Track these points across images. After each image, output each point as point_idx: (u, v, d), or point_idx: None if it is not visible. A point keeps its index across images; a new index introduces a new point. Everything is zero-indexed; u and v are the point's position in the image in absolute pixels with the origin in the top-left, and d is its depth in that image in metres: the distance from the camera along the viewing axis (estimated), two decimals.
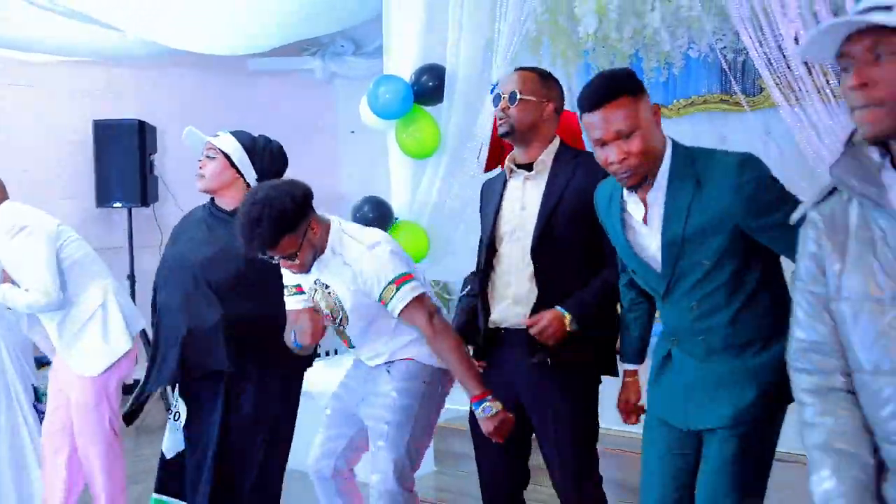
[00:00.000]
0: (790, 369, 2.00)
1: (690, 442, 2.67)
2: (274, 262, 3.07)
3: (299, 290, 3.36)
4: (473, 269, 3.42)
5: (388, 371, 3.31)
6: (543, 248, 3.05)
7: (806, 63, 3.79)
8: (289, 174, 4.33)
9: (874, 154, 1.79)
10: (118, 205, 7.45)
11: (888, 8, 1.64)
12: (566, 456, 3.09)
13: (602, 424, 3.21)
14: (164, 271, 3.75)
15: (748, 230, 2.47)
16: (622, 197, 2.64)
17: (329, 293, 3.26)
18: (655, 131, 2.53)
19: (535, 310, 3.04)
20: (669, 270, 2.57)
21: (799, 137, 3.87)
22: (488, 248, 3.21)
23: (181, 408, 3.68)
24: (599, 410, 3.19)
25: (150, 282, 4.02)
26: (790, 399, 2.35)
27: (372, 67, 7.39)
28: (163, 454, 3.79)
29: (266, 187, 3.13)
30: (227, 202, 3.70)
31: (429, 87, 4.78)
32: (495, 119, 4.93)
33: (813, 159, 3.83)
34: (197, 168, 3.81)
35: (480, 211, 3.37)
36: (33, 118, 7.27)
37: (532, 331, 2.96)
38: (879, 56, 1.68)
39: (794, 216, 1.97)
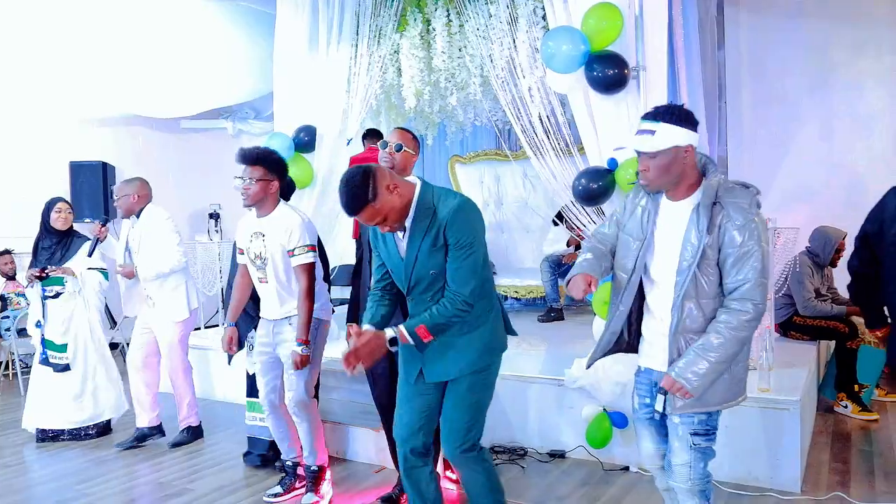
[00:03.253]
0: (589, 239, 2.57)
1: (434, 390, 2.60)
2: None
3: (241, 251, 3.44)
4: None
5: (290, 323, 3.35)
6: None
7: (545, 130, 4.13)
8: (208, 200, 4.37)
9: None
10: (88, 220, 7.18)
11: (652, 132, 2.14)
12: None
13: None
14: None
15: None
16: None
17: (263, 241, 3.32)
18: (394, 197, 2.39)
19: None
20: (408, 277, 2.51)
21: (542, 177, 4.16)
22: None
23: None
24: None
25: (113, 275, 4.14)
26: (496, 353, 2.57)
27: (266, 127, 7.44)
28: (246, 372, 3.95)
29: None
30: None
31: (305, 140, 4.74)
32: (351, 159, 5.07)
33: (550, 190, 4.15)
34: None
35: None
36: (26, 158, 7.06)
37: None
38: (653, 157, 2.15)
39: (630, 195, 2.42)
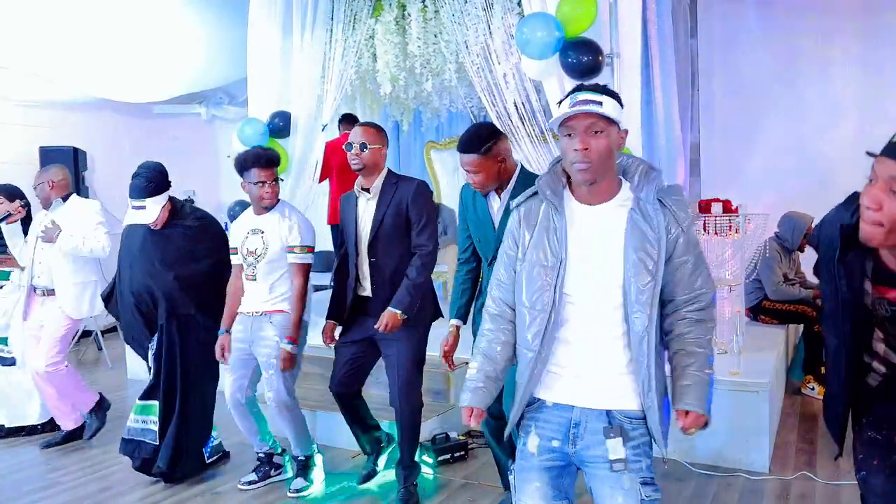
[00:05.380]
0: (488, 295, 1.99)
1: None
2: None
3: (235, 251, 3.41)
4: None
5: (271, 321, 3.31)
6: (374, 246, 3.12)
7: (520, 116, 4.12)
8: (182, 187, 4.25)
9: (563, 178, 1.86)
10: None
11: (599, 102, 1.74)
12: (400, 371, 3.13)
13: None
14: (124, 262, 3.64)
15: None
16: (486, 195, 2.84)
17: (262, 237, 3.30)
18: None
19: (372, 283, 3.14)
20: (497, 244, 2.60)
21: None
22: (355, 241, 3.18)
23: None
24: None
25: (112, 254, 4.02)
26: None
27: (240, 112, 7.31)
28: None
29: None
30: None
31: (279, 125, 4.68)
32: (326, 145, 5.03)
33: None
34: (123, 188, 3.56)
35: (341, 219, 3.28)
36: None
37: (378, 328, 3.05)
38: (596, 132, 1.75)
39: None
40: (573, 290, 1.80)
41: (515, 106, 4.13)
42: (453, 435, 3.85)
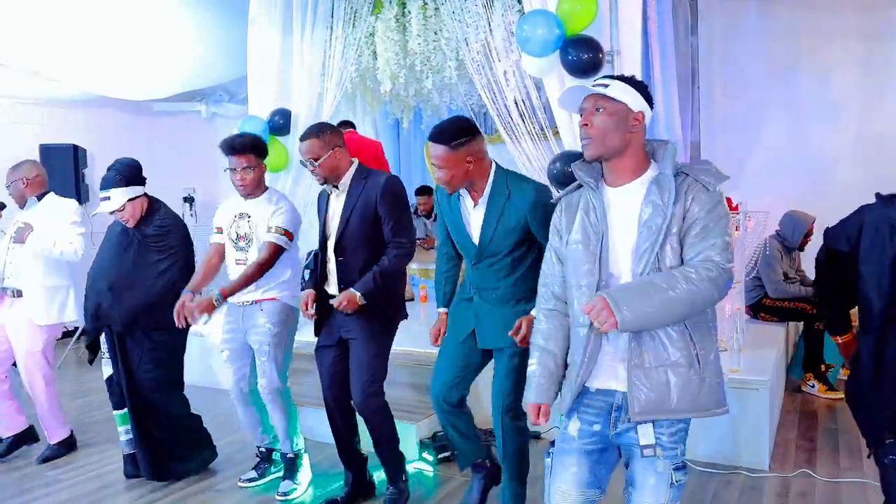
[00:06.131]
0: (538, 297, 2.06)
1: (479, 353, 2.81)
2: None
3: (219, 230, 3.38)
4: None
5: (262, 309, 3.30)
6: (341, 244, 3.00)
7: (520, 113, 4.11)
8: (183, 184, 4.20)
9: (596, 165, 1.97)
10: None
11: (606, 85, 1.88)
12: (364, 361, 3.01)
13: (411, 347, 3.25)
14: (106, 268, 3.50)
15: (534, 231, 2.59)
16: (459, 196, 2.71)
17: (248, 221, 3.27)
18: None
19: (340, 281, 3.01)
20: (481, 249, 2.67)
21: (517, 160, 4.12)
22: (323, 239, 3.10)
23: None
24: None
25: (86, 259, 3.74)
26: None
27: (241, 110, 7.29)
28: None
29: None
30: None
31: (280, 123, 4.66)
32: None
33: (524, 173, 4.12)
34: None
35: (317, 213, 3.21)
36: None
37: (334, 304, 2.94)
38: (598, 109, 1.88)
39: (554, 200, 2.08)
40: (614, 267, 1.86)
41: (516, 103, 4.11)
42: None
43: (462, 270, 2.96)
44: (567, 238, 1.95)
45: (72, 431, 4.08)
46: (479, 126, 2.75)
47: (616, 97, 1.87)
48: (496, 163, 2.68)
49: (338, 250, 3.01)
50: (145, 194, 3.47)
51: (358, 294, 2.91)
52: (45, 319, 3.80)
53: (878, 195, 2.29)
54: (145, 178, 3.48)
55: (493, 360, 2.82)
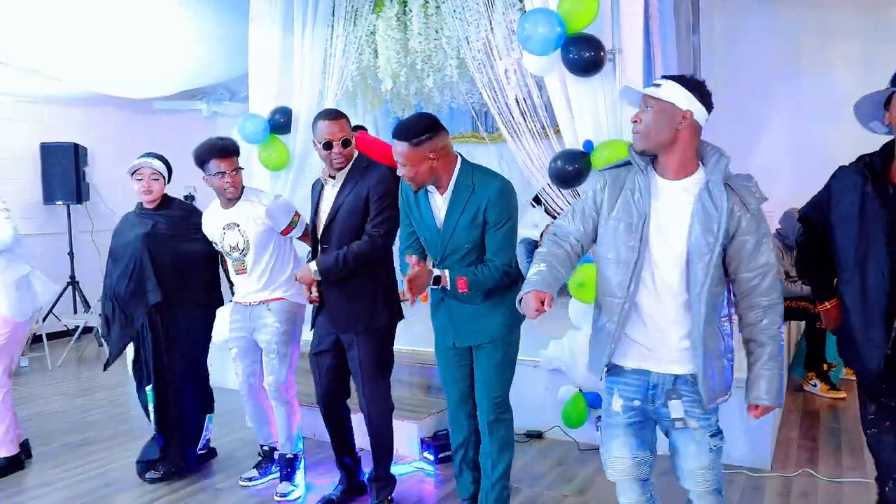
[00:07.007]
0: (546, 238, 2.21)
1: (465, 353, 2.80)
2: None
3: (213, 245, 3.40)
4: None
5: (269, 309, 3.30)
6: (328, 234, 2.99)
7: (521, 112, 4.10)
8: (183, 183, 4.19)
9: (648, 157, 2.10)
10: (60, 202, 7.15)
11: (658, 85, 2.03)
12: (364, 373, 3.02)
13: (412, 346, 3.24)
14: (114, 254, 3.55)
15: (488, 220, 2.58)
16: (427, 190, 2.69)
17: (238, 230, 3.26)
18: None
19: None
20: (444, 241, 2.65)
21: (518, 159, 4.12)
22: (313, 229, 3.11)
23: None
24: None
25: (87, 258, 3.68)
26: (518, 322, 2.71)
27: (241, 108, 7.25)
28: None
29: None
30: (153, 204, 3.55)
31: (280, 122, 4.62)
32: None
33: (526, 172, 4.13)
34: (124, 183, 3.63)
35: (311, 202, 3.19)
36: None
37: (295, 274, 3.04)
38: (648, 107, 2.03)
39: (601, 170, 2.23)
40: (654, 249, 2.02)
41: (517, 102, 4.11)
42: None
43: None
44: (609, 214, 2.09)
45: (20, 450, 3.81)
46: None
47: (663, 97, 2.00)
48: (462, 157, 2.69)
49: (324, 238, 3.01)
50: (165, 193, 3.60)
51: (314, 270, 2.94)
52: (21, 314, 3.66)
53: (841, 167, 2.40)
54: (171, 174, 3.63)
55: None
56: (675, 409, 2.07)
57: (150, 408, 3.59)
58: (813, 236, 2.49)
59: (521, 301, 2.04)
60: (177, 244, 3.50)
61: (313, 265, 2.96)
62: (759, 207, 2.01)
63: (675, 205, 2.03)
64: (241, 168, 3.31)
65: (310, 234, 3.19)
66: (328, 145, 2.94)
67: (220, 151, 3.20)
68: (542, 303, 1.99)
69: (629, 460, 2.16)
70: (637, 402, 2.12)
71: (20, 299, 3.65)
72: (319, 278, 2.95)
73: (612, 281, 2.07)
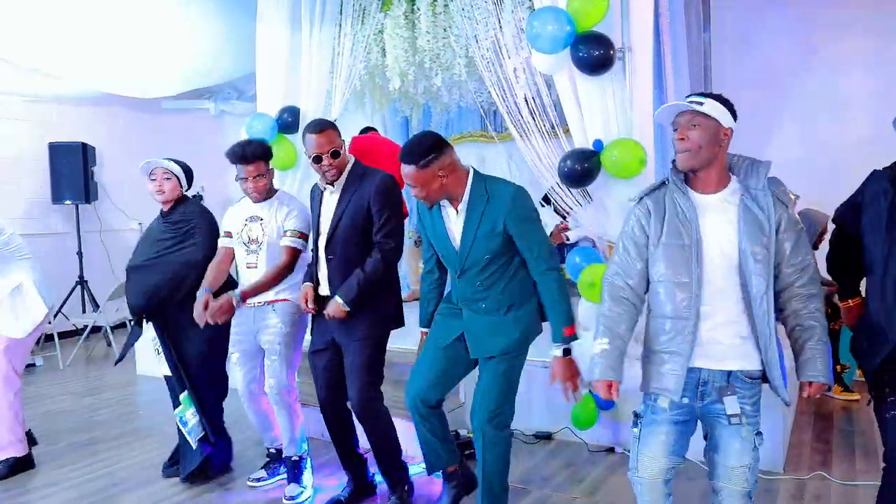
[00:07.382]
0: (604, 281, 2.24)
1: (463, 360, 2.77)
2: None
3: (228, 234, 3.36)
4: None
5: (274, 310, 3.29)
6: (332, 243, 2.99)
7: (530, 111, 4.07)
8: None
9: (681, 174, 2.17)
10: (68, 202, 7.18)
11: (700, 103, 2.08)
12: (359, 366, 2.99)
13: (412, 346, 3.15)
14: (136, 258, 3.55)
15: (513, 235, 2.57)
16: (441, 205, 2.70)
17: (261, 224, 3.26)
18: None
19: (329, 282, 3.01)
20: (463, 256, 2.65)
21: (527, 158, 4.09)
22: (315, 238, 3.10)
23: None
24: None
25: (95, 257, 3.68)
26: (532, 338, 2.73)
27: (249, 107, 7.30)
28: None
29: None
30: (168, 207, 3.54)
31: (288, 121, 4.63)
32: (353, 139, 4.97)
33: (535, 172, 4.10)
34: (132, 183, 3.67)
35: (310, 209, 3.20)
36: (4, 140, 6.97)
37: (325, 314, 2.95)
38: (694, 126, 2.07)
39: (633, 199, 2.25)
40: (709, 265, 2.09)
41: (526, 101, 4.07)
42: (463, 433, 3.82)
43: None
44: (659, 239, 2.14)
45: (29, 452, 3.78)
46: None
47: (709, 114, 2.07)
48: (474, 169, 2.67)
49: (328, 249, 3.00)
50: (183, 194, 3.57)
51: (342, 302, 2.91)
52: (10, 329, 3.62)
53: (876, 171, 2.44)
54: (192, 181, 3.60)
55: (477, 367, 2.78)
56: (731, 405, 2.10)
57: (193, 421, 3.50)
58: (845, 237, 2.53)
59: (590, 384, 2.12)
60: (171, 256, 3.45)
61: (340, 300, 2.91)
62: (787, 209, 2.12)
63: (719, 216, 2.10)
64: (267, 171, 3.26)
65: (312, 242, 3.18)
66: (317, 159, 2.94)
67: (242, 157, 3.20)
68: (612, 389, 2.13)
69: (663, 462, 2.19)
70: (686, 400, 2.14)
71: (15, 318, 3.62)
72: (349, 308, 2.92)
73: (673, 302, 2.11)
